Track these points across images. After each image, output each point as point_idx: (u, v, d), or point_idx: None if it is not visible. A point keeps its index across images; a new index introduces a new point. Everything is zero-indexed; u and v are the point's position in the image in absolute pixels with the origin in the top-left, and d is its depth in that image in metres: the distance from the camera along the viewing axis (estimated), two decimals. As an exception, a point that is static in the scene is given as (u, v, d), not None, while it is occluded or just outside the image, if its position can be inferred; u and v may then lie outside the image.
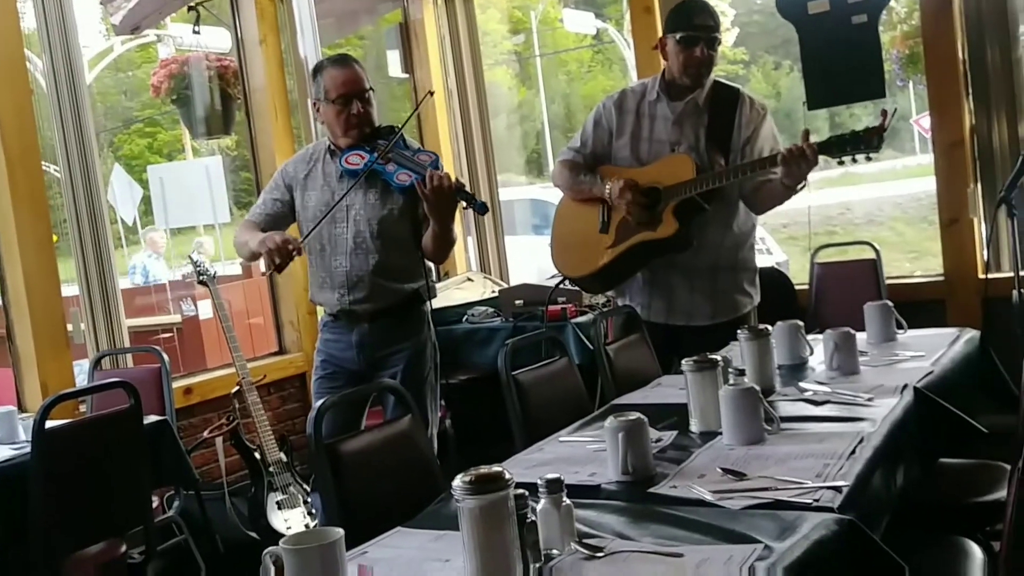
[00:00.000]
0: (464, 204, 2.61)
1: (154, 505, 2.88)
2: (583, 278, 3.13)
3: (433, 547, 1.47)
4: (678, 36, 2.87)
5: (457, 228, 2.85)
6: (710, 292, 2.96)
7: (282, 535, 3.22)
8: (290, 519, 3.40)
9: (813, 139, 2.62)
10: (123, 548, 2.65)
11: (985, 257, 3.72)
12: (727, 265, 2.97)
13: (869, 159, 2.56)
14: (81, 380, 3.59)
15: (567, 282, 3.51)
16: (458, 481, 1.29)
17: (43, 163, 3.52)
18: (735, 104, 2.92)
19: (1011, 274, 3.25)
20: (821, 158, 2.63)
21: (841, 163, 2.60)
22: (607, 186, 2.90)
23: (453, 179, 2.60)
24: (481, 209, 2.62)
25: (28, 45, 3.53)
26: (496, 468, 1.32)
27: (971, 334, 2.68)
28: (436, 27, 4.94)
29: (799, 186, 2.71)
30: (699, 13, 2.85)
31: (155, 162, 12.82)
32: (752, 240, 3.06)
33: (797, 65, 4.27)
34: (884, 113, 2.53)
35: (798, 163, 2.59)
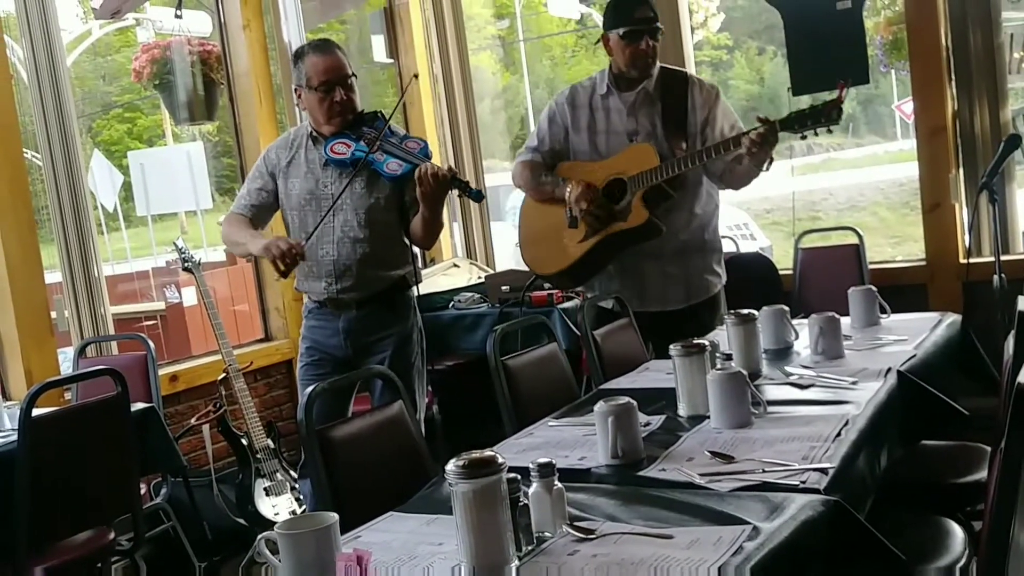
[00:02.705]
0: (460, 193, 2.60)
1: (142, 492, 2.88)
2: (556, 275, 3.15)
3: (426, 531, 1.48)
4: (621, 32, 2.91)
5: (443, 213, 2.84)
6: (682, 276, 3.00)
7: (270, 521, 3.26)
8: (278, 505, 3.41)
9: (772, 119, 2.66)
10: (111, 535, 2.65)
11: (967, 242, 3.76)
12: (695, 248, 3.01)
13: (830, 131, 2.61)
14: (65, 368, 3.57)
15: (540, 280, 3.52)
16: (452, 465, 1.30)
17: (24, 150, 3.49)
18: (685, 88, 2.97)
19: (992, 259, 3.29)
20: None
21: (803, 137, 2.66)
22: (568, 188, 2.92)
23: (447, 168, 2.59)
24: (477, 197, 2.62)
25: (6, 30, 3.49)
26: (489, 452, 1.33)
27: (953, 318, 2.71)
28: (421, 11, 4.92)
29: (766, 163, 2.75)
30: (639, 6, 2.90)
31: (135, 148, 12.69)
32: (716, 221, 3.11)
33: (781, 51, 4.30)
34: (841, 85, 2.58)
35: (761, 146, 2.64)
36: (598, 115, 3.01)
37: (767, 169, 2.79)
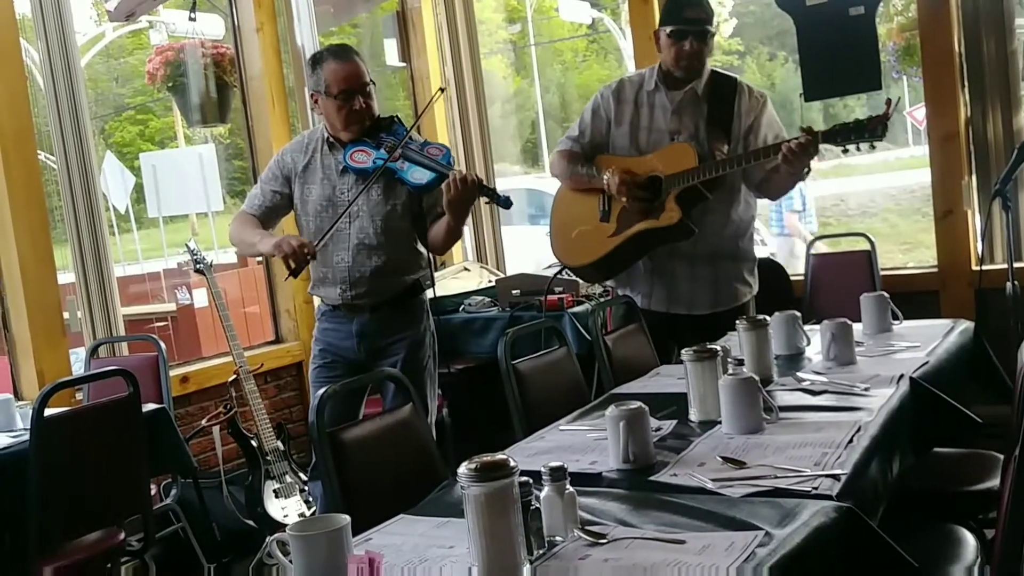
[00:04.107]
0: (487, 201, 2.58)
1: (152, 493, 2.89)
2: (584, 267, 3.14)
3: (437, 534, 1.49)
4: (668, 30, 2.88)
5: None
6: (711, 281, 2.98)
7: (279, 523, 3.27)
8: (287, 507, 3.41)
9: (816, 128, 2.64)
10: (121, 536, 2.66)
11: (979, 249, 3.74)
12: (728, 254, 2.98)
13: (873, 147, 2.59)
14: (77, 368, 3.58)
15: (566, 271, 3.52)
16: (464, 468, 1.30)
17: (38, 151, 3.51)
18: (733, 93, 2.94)
19: (1004, 266, 3.28)
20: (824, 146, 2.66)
21: (845, 151, 2.62)
22: (605, 177, 2.90)
23: (473, 175, 2.56)
24: (505, 204, 2.59)
25: (22, 32, 3.51)
26: (500, 456, 1.33)
27: (965, 325, 2.70)
28: (433, 15, 4.93)
29: (804, 172, 2.73)
30: (689, 7, 2.86)
31: (147, 150, 12.75)
32: (751, 230, 3.08)
33: (792, 56, 4.31)
34: (888, 102, 2.56)
35: (799, 156, 2.61)
36: (642, 111, 2.98)
37: (804, 178, 2.76)
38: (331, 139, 2.78)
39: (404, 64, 4.99)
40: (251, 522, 3.40)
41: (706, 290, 2.98)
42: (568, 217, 3.12)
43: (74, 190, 3.54)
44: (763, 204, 3.30)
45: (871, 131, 2.55)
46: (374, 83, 2.75)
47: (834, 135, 2.60)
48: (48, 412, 2.42)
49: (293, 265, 2.60)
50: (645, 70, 3.08)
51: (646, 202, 2.85)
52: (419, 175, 2.62)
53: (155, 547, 2.81)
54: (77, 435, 2.49)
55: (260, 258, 3.05)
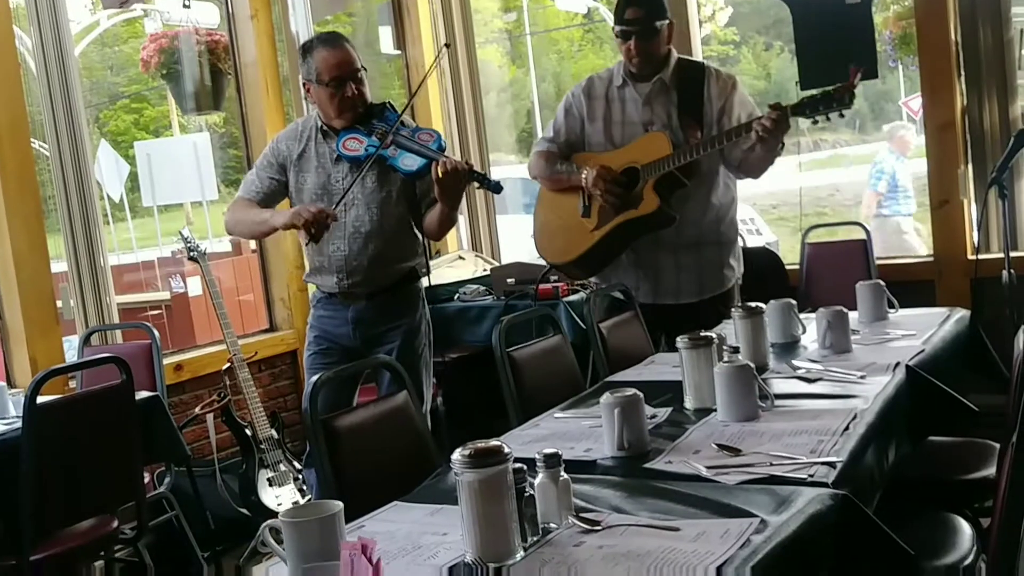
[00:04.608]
0: (478, 186, 2.59)
1: (145, 481, 2.88)
2: (569, 264, 3.14)
3: (430, 521, 1.48)
4: (615, 30, 2.91)
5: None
6: (696, 268, 2.98)
7: (273, 511, 3.26)
8: (281, 496, 3.41)
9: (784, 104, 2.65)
10: (115, 524, 2.65)
11: (975, 238, 3.74)
12: (710, 240, 2.99)
13: (842, 115, 2.60)
14: (70, 356, 3.57)
15: (553, 270, 3.52)
16: (457, 454, 1.29)
17: (31, 139, 3.49)
18: (702, 79, 2.95)
19: (1001, 255, 3.28)
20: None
21: (815, 122, 2.64)
22: (583, 173, 2.90)
23: (463, 161, 2.56)
24: (496, 188, 2.59)
25: (15, 20, 3.49)
26: (495, 442, 1.32)
27: (961, 314, 2.70)
28: (428, 4, 4.91)
29: (779, 148, 2.75)
30: (630, 6, 2.87)
31: (142, 138, 12.68)
32: (733, 213, 3.08)
33: (788, 46, 4.30)
34: (853, 71, 2.56)
35: (772, 132, 2.62)
36: (614, 106, 2.99)
37: (779, 154, 2.77)
38: (324, 127, 2.77)
39: (399, 52, 4.96)
40: (245, 510, 3.39)
41: (692, 278, 2.99)
42: (550, 215, 3.13)
43: (67, 179, 3.52)
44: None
45: (838, 100, 2.56)
46: (365, 69, 2.74)
47: (803, 108, 2.61)
48: (41, 400, 2.42)
49: (314, 231, 2.59)
50: (613, 66, 3.09)
51: (625, 193, 2.85)
52: (409, 162, 2.62)
53: (148, 535, 2.80)
54: (70, 423, 2.48)
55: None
